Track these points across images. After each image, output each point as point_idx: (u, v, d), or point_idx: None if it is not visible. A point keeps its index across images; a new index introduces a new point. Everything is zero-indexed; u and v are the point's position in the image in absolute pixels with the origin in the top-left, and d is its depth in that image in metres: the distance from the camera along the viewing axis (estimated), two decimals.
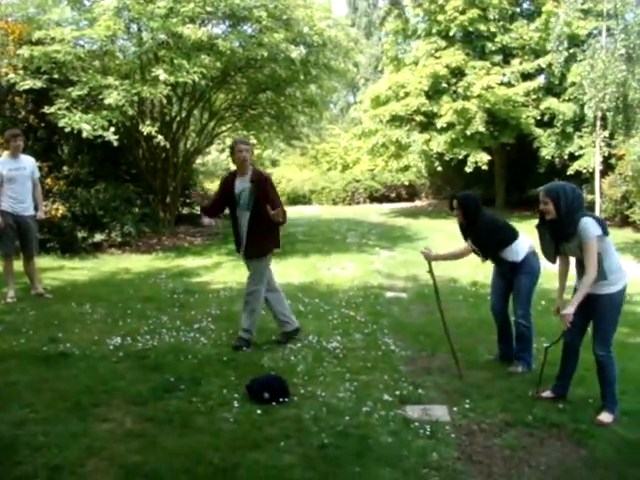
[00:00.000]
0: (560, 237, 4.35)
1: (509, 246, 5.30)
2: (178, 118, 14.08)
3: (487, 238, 5.31)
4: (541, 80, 19.06)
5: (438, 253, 5.81)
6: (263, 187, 5.67)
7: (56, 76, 10.87)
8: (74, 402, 4.39)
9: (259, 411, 4.31)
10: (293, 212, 22.16)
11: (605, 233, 4.23)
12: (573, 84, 17.69)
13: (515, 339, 5.44)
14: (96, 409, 4.31)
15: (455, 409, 4.44)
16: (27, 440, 3.78)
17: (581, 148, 17.90)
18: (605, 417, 4.29)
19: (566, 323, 4.24)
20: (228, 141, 18.42)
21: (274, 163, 33.40)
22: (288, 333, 6.00)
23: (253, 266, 5.87)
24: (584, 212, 4.29)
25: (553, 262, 4.63)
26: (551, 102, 18.36)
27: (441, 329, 6.36)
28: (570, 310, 4.21)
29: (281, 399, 4.48)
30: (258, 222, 5.65)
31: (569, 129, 18.18)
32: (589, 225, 4.17)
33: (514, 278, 5.35)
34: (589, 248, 4.16)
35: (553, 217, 4.32)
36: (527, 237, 5.43)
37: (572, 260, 4.52)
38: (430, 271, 5.40)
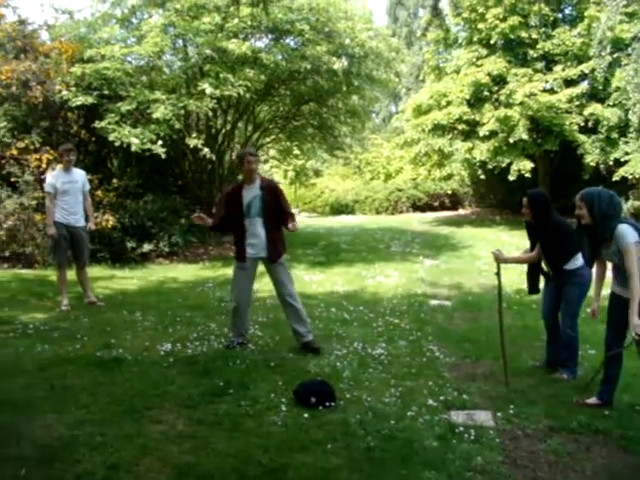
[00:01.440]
0: (596, 242, 4.37)
1: (574, 256, 5.18)
2: (223, 130, 14.33)
3: (555, 242, 5.19)
4: (584, 86, 18.78)
5: (508, 256, 5.73)
6: (274, 195, 5.98)
7: (106, 92, 11.23)
8: (128, 405, 4.56)
9: (306, 415, 4.41)
10: (336, 222, 22.31)
11: None
12: (617, 89, 17.41)
13: (561, 347, 5.41)
14: (149, 412, 4.47)
15: (499, 414, 4.47)
16: (85, 440, 3.95)
17: (627, 154, 17.56)
18: None
19: (638, 333, 4.15)
20: (272, 152, 18.66)
21: (317, 173, 33.54)
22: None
23: (279, 270, 6.06)
24: (621, 219, 4.29)
25: (590, 266, 4.64)
26: (595, 108, 18.06)
27: (485, 336, 6.44)
28: (637, 321, 4.10)
29: (328, 403, 4.58)
30: (273, 226, 5.96)
31: (614, 135, 17.87)
32: (625, 232, 4.16)
33: (565, 287, 5.27)
34: (628, 254, 4.16)
35: (588, 222, 4.34)
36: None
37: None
38: (497, 273, 5.34)
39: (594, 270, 4.72)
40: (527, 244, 5.70)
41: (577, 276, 5.19)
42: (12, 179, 10.93)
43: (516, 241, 14.02)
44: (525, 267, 5.71)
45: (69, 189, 7.86)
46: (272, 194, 5.96)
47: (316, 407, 4.53)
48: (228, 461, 3.73)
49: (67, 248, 7.99)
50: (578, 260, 5.17)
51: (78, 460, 3.68)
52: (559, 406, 4.63)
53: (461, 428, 4.19)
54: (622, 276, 4.33)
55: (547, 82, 18.78)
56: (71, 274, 8.19)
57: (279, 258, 6.02)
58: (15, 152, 10.90)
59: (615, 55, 17.29)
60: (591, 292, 4.93)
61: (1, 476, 3.49)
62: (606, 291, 4.64)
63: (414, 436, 4.08)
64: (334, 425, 4.27)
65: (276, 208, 5.94)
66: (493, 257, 5.39)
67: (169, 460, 3.73)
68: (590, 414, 4.46)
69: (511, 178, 18.59)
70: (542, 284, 5.65)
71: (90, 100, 10.92)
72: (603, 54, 16.02)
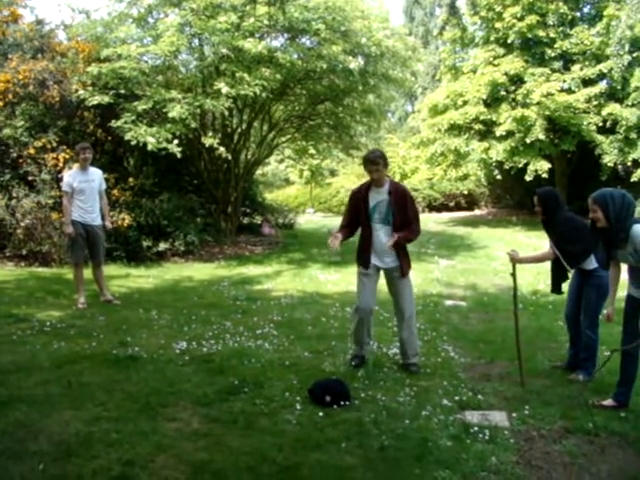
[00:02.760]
0: (611, 244, 4.32)
1: (591, 255, 5.10)
2: (239, 130, 14.37)
3: (567, 237, 5.14)
4: (603, 85, 18.64)
5: (523, 256, 5.67)
6: (403, 200, 5.37)
7: (122, 91, 11.29)
8: (143, 402, 4.58)
9: (321, 413, 4.41)
10: None
11: None
12: (636, 89, 17.28)
13: (581, 348, 5.34)
14: (164, 409, 4.49)
15: (514, 415, 4.44)
16: (101, 436, 3.97)
17: None
18: None
19: None
20: (287, 152, 18.66)
21: (333, 173, 33.56)
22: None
23: (404, 284, 5.61)
24: (636, 218, 4.22)
25: (606, 269, 4.60)
26: (613, 108, 17.93)
27: (500, 337, 6.41)
28: None
29: (342, 402, 4.57)
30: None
31: (633, 135, 17.72)
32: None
33: (584, 288, 5.24)
34: None
35: (603, 225, 4.28)
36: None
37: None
38: (513, 274, 5.33)
39: (609, 273, 4.67)
40: (545, 245, 5.66)
41: (595, 277, 5.14)
42: (29, 178, 11.04)
43: (533, 242, 13.95)
44: (544, 267, 5.66)
45: (86, 188, 7.90)
46: (401, 200, 5.33)
47: (331, 406, 4.52)
48: (242, 459, 3.73)
49: (84, 246, 8.04)
50: (595, 261, 5.13)
51: (94, 456, 3.70)
52: (575, 407, 4.58)
53: (476, 428, 4.17)
54: (638, 277, 4.29)
55: (565, 82, 18.65)
56: (87, 272, 8.25)
57: (405, 272, 5.57)
58: (32, 151, 11.00)
59: (634, 54, 17.13)
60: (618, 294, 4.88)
61: (20, 471, 3.52)
62: (622, 293, 4.60)
63: (428, 436, 4.06)
64: (348, 424, 4.26)
65: (403, 215, 5.34)
66: (509, 258, 5.38)
67: (184, 457, 3.74)
68: (606, 416, 4.41)
69: (528, 179, 18.51)
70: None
71: (106, 99, 10.99)
72: (622, 53, 15.83)
